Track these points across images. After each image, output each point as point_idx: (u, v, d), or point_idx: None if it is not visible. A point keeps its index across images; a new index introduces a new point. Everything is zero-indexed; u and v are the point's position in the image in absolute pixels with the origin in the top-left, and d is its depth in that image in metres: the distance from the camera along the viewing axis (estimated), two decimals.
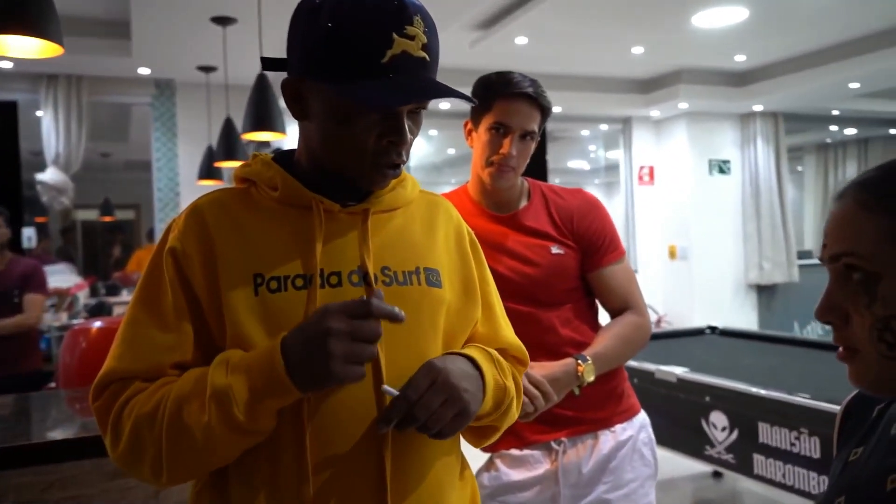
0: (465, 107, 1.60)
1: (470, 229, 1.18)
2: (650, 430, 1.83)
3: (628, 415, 1.78)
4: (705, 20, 4.78)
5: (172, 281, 0.96)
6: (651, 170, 7.54)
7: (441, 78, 1.01)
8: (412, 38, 0.93)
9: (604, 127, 7.76)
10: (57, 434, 1.42)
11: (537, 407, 1.58)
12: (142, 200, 9.32)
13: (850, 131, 8.85)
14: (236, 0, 3.89)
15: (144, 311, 0.96)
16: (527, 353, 1.18)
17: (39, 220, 6.68)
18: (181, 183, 5.54)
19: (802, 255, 7.97)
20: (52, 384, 2.61)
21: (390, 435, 0.92)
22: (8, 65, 4.81)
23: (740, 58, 5.92)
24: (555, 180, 11.17)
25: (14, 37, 1.74)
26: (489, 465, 1.77)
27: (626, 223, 7.54)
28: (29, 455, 1.42)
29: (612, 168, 7.93)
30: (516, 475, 1.72)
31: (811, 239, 9.67)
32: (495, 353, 1.07)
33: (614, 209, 7.54)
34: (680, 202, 7.29)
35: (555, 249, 1.75)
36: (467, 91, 1.56)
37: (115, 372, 0.94)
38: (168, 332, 0.95)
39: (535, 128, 1.73)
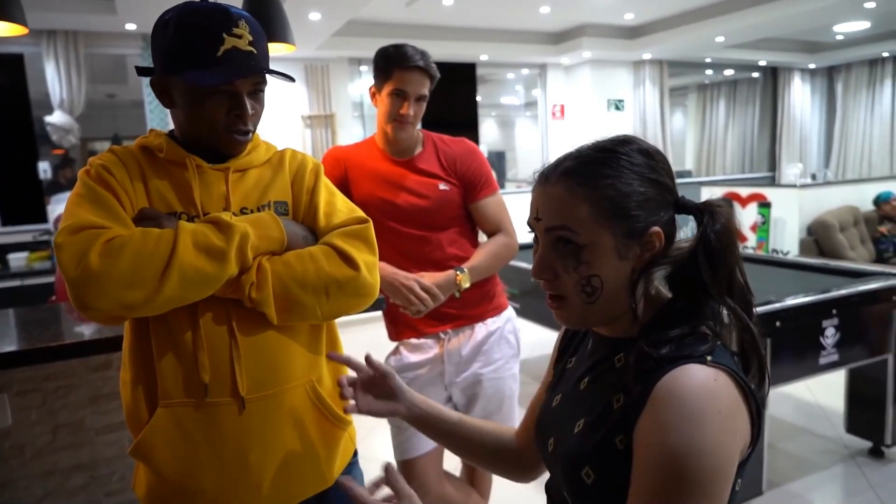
0: None
1: (316, 163, 1.23)
2: (514, 321, 1.95)
3: (497, 311, 1.89)
4: None
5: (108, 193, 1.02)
6: (562, 107, 7.51)
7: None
8: (239, 37, 1.02)
9: (525, 71, 7.66)
10: (51, 341, 1.48)
11: (427, 306, 1.69)
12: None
13: (727, 73, 8.86)
14: None
15: (93, 206, 1.00)
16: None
17: (57, 151, 6.49)
18: (169, 122, 5.36)
19: (681, 174, 8.13)
20: (53, 297, 2.57)
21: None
22: None
23: (629, 16, 5.84)
24: (492, 114, 11.04)
25: None
26: (395, 351, 1.88)
27: (542, 150, 7.58)
28: (30, 356, 1.47)
29: (532, 104, 7.87)
30: (413, 358, 1.84)
31: (691, 161, 9.85)
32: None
33: (536, 139, 7.57)
34: (584, 133, 7.31)
35: (442, 186, 1.81)
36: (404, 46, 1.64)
37: (90, 222, 0.96)
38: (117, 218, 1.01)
39: (426, 92, 1.76)
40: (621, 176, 0.76)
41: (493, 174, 1.94)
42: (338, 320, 1.17)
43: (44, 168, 5.11)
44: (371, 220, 1.18)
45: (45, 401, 1.67)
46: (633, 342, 0.76)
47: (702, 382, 0.67)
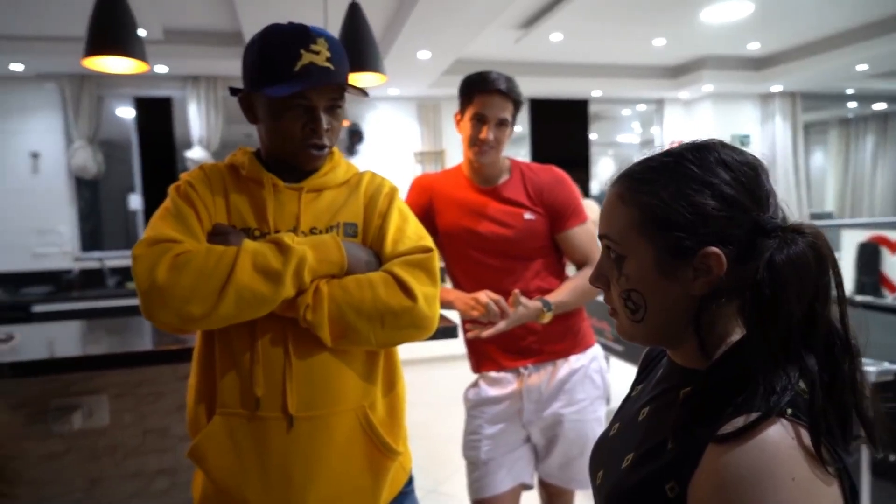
0: None
1: (393, 186, 1.24)
2: (601, 360, 1.83)
3: (582, 348, 1.79)
4: (713, 15, 4.43)
5: (189, 208, 1.09)
6: (681, 144, 7.17)
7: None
8: (317, 52, 1.04)
9: (641, 107, 7.42)
10: (146, 345, 1.58)
11: (491, 317, 1.59)
12: None
13: (876, 106, 8.01)
14: (317, 15, 3.93)
15: (173, 220, 1.07)
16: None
17: None
18: None
19: (821, 216, 7.45)
20: None
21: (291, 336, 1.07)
22: (164, 69, 5.10)
23: (754, 45, 5.47)
24: (608, 152, 10.78)
25: (114, 58, 1.89)
26: (474, 384, 1.83)
27: None
28: (125, 359, 1.57)
29: (650, 142, 7.59)
30: (492, 392, 1.77)
31: (831, 202, 8.98)
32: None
33: None
34: None
35: (527, 216, 1.75)
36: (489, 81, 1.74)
37: (166, 235, 1.03)
38: (191, 233, 1.07)
39: (509, 116, 1.72)
40: (677, 184, 0.66)
41: (583, 203, 1.85)
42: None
43: None
44: (435, 251, 1.16)
45: (137, 405, 1.78)
46: (703, 376, 0.66)
47: (772, 439, 0.55)
